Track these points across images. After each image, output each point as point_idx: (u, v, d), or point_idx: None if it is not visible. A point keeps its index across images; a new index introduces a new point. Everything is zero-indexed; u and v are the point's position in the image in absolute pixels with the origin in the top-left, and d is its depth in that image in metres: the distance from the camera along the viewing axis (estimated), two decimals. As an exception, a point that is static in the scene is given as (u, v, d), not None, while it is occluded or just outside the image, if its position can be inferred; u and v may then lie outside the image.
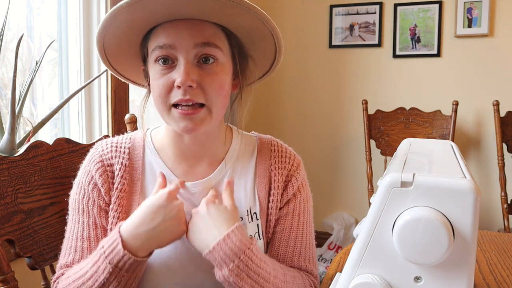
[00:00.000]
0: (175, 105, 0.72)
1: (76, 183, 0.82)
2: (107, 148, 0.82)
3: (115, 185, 0.79)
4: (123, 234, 0.70)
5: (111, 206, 0.78)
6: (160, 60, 0.71)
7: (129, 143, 0.83)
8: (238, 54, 0.78)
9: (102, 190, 0.78)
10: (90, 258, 0.72)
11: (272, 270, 0.73)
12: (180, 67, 0.70)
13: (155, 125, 0.89)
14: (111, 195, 0.79)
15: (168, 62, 0.71)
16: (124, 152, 0.81)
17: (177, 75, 0.70)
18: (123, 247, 0.68)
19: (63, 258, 0.79)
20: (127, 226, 0.71)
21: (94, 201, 0.78)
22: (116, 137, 0.85)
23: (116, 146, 0.82)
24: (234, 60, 0.77)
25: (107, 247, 0.69)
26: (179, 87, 0.69)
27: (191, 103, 0.70)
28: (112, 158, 0.81)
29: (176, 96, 0.70)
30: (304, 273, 0.83)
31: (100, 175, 0.79)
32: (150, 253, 0.72)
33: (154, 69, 0.73)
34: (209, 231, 0.71)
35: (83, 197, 0.79)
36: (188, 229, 0.73)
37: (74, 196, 0.81)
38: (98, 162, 0.80)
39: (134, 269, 0.69)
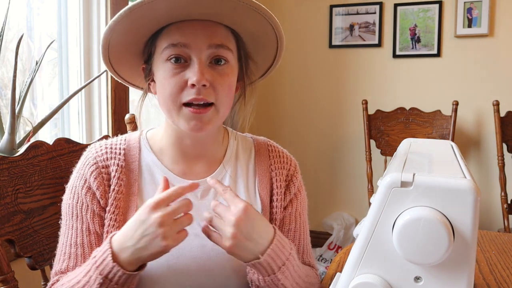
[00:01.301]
0: (186, 104, 0.72)
1: (68, 187, 0.80)
2: (101, 150, 0.80)
3: (112, 187, 0.77)
4: (114, 245, 0.67)
5: (108, 208, 0.77)
6: (172, 59, 0.72)
7: (124, 144, 0.82)
8: (243, 56, 0.79)
9: (97, 193, 0.77)
10: (84, 266, 0.70)
11: (301, 265, 0.78)
12: (195, 66, 0.70)
13: (155, 124, 0.89)
14: (107, 198, 0.77)
15: (181, 61, 0.72)
16: (120, 153, 0.80)
17: (192, 74, 0.70)
18: (112, 259, 0.65)
19: (57, 265, 0.77)
20: (118, 237, 0.67)
21: (88, 206, 0.77)
22: (110, 139, 0.84)
23: (111, 148, 0.81)
24: (240, 62, 0.79)
25: (99, 257, 0.67)
26: (193, 85, 0.70)
27: (202, 102, 0.71)
28: (107, 159, 0.79)
29: (189, 95, 0.71)
30: (309, 267, 0.87)
31: (95, 178, 0.77)
32: (141, 267, 0.68)
33: (165, 67, 0.73)
34: (256, 240, 0.67)
35: (77, 202, 0.77)
36: (233, 242, 0.66)
37: (68, 201, 0.79)
38: (93, 165, 0.78)
39: (125, 281, 0.66)
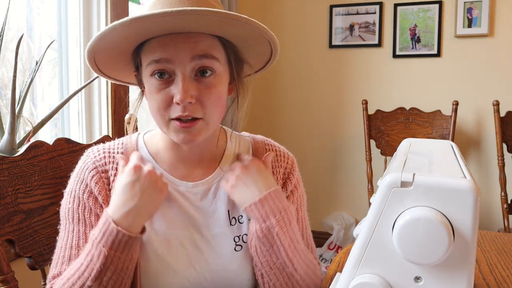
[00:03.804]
0: (174, 118, 0.71)
1: (67, 192, 0.79)
2: (99, 155, 0.79)
3: (112, 191, 0.77)
4: (113, 216, 0.69)
5: None
6: (156, 74, 0.70)
7: (121, 148, 0.81)
8: (234, 60, 0.77)
9: (99, 198, 0.76)
10: (83, 252, 0.71)
11: (300, 235, 0.80)
12: (178, 83, 0.68)
13: (154, 123, 0.88)
14: (109, 201, 0.76)
15: (165, 76, 0.70)
16: None
17: (176, 91, 0.68)
18: (116, 225, 0.67)
19: (55, 268, 0.76)
20: (113, 209, 0.70)
21: (91, 209, 0.76)
22: (107, 143, 0.83)
23: (109, 152, 0.80)
24: (230, 66, 0.76)
25: (99, 233, 0.68)
26: (178, 103, 0.68)
27: (190, 118, 0.70)
28: (106, 164, 0.78)
29: (176, 112, 0.70)
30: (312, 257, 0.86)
31: (96, 183, 0.77)
32: (143, 230, 0.72)
33: (150, 82, 0.71)
34: (257, 186, 0.75)
35: (78, 206, 0.77)
36: (233, 184, 0.76)
37: (67, 205, 0.78)
38: (92, 169, 0.78)
39: (130, 247, 0.68)
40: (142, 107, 0.83)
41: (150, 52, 0.70)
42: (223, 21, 0.66)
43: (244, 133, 0.91)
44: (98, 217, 0.76)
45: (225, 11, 0.66)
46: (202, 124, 0.72)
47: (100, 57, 0.75)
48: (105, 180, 0.77)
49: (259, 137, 0.91)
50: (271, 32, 0.72)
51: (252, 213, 0.74)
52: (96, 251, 0.67)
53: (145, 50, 0.72)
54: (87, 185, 0.77)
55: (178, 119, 0.70)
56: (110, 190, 0.77)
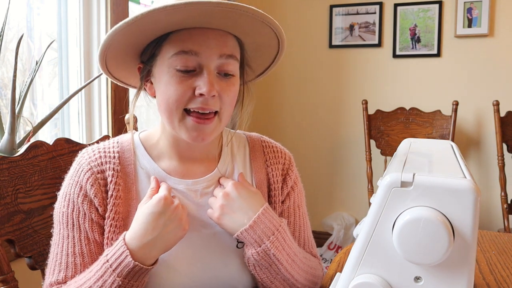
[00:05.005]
0: (188, 112, 0.71)
1: (61, 195, 0.77)
2: (94, 155, 0.78)
3: (110, 193, 0.75)
4: (130, 245, 0.68)
5: (107, 215, 0.75)
6: (180, 65, 0.70)
7: (117, 147, 0.79)
8: (244, 64, 0.80)
9: (95, 201, 0.74)
10: (92, 272, 0.70)
11: (297, 245, 0.80)
12: (205, 76, 0.69)
13: (155, 125, 0.87)
14: (105, 204, 0.75)
15: (189, 68, 0.70)
16: (114, 157, 0.78)
17: (202, 84, 0.69)
18: (132, 258, 0.67)
19: (52, 276, 0.74)
20: (132, 237, 0.69)
21: (85, 214, 0.74)
22: (101, 143, 0.82)
23: (104, 152, 0.78)
24: (242, 69, 0.79)
25: (114, 261, 0.68)
26: (201, 95, 0.69)
27: (208, 111, 0.71)
28: (102, 164, 0.76)
29: (196, 103, 0.70)
30: (311, 256, 0.88)
31: (92, 185, 0.75)
32: (157, 260, 0.71)
33: (172, 72, 0.70)
34: (244, 211, 0.74)
35: (72, 211, 0.75)
36: (219, 213, 0.74)
37: (61, 209, 0.76)
38: (88, 171, 0.75)
39: (143, 277, 0.69)
40: (144, 107, 0.83)
41: (179, 42, 0.70)
42: (256, 23, 0.70)
43: (238, 131, 0.91)
44: (92, 222, 0.75)
45: (262, 11, 0.68)
46: (216, 120, 0.73)
47: (112, 47, 0.72)
48: (101, 181, 0.76)
49: (254, 134, 0.91)
50: (285, 42, 0.77)
51: (245, 239, 0.73)
52: (110, 279, 0.67)
53: (171, 40, 0.71)
54: (81, 187, 0.75)
55: (195, 112, 0.71)
56: (106, 192, 0.76)
